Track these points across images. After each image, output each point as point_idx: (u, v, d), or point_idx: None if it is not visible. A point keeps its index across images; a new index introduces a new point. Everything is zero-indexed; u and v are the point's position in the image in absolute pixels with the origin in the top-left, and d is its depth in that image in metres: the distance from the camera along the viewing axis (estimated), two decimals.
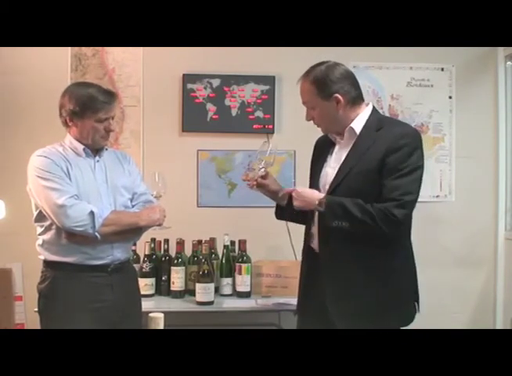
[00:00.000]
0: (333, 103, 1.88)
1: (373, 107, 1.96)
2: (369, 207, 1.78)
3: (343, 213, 1.80)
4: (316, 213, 1.92)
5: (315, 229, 1.96)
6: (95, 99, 1.95)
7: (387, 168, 1.81)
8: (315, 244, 1.97)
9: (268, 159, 2.02)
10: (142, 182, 2.17)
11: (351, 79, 1.92)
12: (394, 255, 1.87)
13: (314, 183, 2.02)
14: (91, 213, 1.88)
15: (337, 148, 1.98)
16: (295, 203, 1.91)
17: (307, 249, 2.04)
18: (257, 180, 2.02)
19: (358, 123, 1.90)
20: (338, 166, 1.91)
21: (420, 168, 1.85)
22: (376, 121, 1.91)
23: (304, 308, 2.05)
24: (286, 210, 2.03)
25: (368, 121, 1.91)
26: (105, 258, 1.98)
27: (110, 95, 2.01)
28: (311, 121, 2.00)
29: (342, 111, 1.89)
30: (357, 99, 1.92)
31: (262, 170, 2.01)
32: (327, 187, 1.92)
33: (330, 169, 1.95)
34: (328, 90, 1.87)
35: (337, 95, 1.87)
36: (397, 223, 1.78)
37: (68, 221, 1.87)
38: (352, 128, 1.90)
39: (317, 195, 1.89)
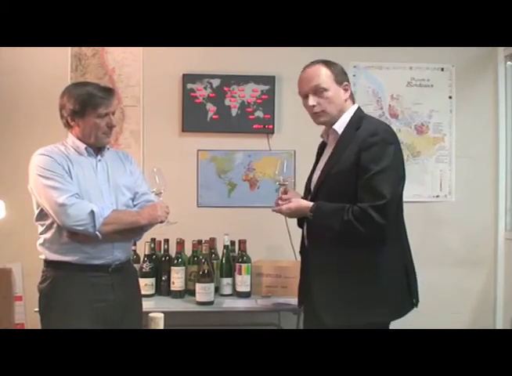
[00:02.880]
0: (342, 89, 1.97)
1: (358, 107, 2.02)
2: (348, 215, 1.82)
3: (326, 228, 1.89)
4: None
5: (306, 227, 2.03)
6: (93, 96, 1.96)
7: (360, 167, 1.85)
8: (306, 241, 2.04)
9: (285, 180, 2.06)
10: (144, 182, 2.17)
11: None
12: (377, 253, 1.88)
13: (307, 184, 2.10)
14: (92, 212, 1.88)
15: (326, 149, 2.06)
16: (290, 205, 1.96)
17: (302, 248, 2.11)
18: (282, 198, 2.03)
19: (342, 123, 1.96)
20: (322, 166, 1.99)
21: (393, 166, 1.87)
22: (357, 119, 1.96)
23: (302, 305, 2.12)
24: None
25: (351, 120, 1.96)
26: (105, 258, 1.98)
27: (108, 91, 2.02)
28: (311, 119, 2.02)
29: (345, 101, 1.98)
30: (352, 96, 2.03)
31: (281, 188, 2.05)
32: (313, 186, 2.00)
33: (319, 170, 2.02)
34: (341, 76, 1.99)
35: (346, 83, 1.99)
36: (376, 225, 1.81)
37: (69, 220, 1.87)
38: (335, 130, 1.96)
39: (305, 205, 1.94)
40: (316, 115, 1.99)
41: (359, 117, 1.97)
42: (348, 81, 2.01)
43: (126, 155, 2.19)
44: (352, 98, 2.02)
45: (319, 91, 1.95)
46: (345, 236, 1.86)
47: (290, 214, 1.99)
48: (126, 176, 2.10)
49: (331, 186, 1.91)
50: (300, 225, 2.11)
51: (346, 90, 1.98)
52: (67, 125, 2.02)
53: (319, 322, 1.89)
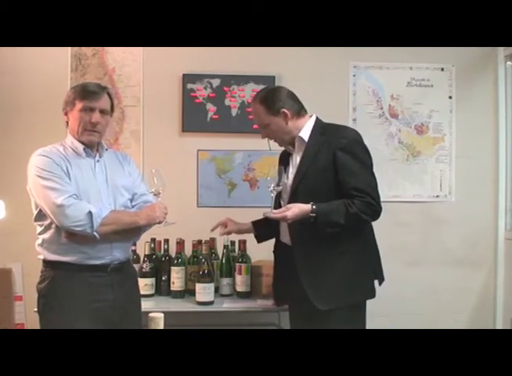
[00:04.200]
0: (281, 117, 2.15)
1: (317, 117, 2.22)
2: (352, 209, 2.02)
3: (332, 224, 2.04)
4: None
5: (285, 225, 2.18)
6: (83, 88, 2.00)
7: (339, 165, 2.06)
8: (287, 239, 2.20)
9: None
10: (143, 183, 2.17)
11: (292, 96, 2.20)
12: (357, 241, 2.13)
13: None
14: (90, 213, 1.88)
15: (292, 156, 2.24)
16: (293, 211, 2.05)
17: (278, 244, 2.32)
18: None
19: (306, 131, 2.17)
20: (295, 170, 2.16)
21: (369, 162, 2.14)
22: (320, 127, 2.18)
23: (284, 297, 2.35)
24: (263, 234, 2.41)
25: (313, 128, 2.17)
26: (104, 258, 1.98)
27: (100, 87, 2.04)
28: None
29: (290, 123, 2.16)
30: (300, 111, 2.19)
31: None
32: (289, 189, 2.17)
33: (290, 174, 2.21)
34: (276, 105, 2.14)
35: (283, 109, 2.14)
36: (377, 213, 2.09)
37: (67, 220, 1.87)
38: (301, 137, 2.17)
39: (305, 208, 2.04)
40: (275, 142, 2.25)
41: (321, 125, 2.19)
42: (287, 104, 2.14)
43: (125, 156, 2.19)
44: (300, 113, 2.17)
45: (263, 127, 2.20)
46: (349, 227, 2.05)
47: (293, 219, 2.05)
48: (124, 177, 2.10)
49: (309, 184, 2.11)
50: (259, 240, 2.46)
51: (285, 115, 2.14)
52: (67, 125, 2.05)
53: (309, 307, 2.08)
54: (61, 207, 1.86)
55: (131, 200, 2.10)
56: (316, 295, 2.08)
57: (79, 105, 1.98)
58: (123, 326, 1.97)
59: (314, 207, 2.03)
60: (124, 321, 2.00)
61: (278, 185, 2.10)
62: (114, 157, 2.14)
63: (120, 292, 2.02)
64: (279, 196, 2.24)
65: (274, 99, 2.15)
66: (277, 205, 2.20)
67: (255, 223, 2.45)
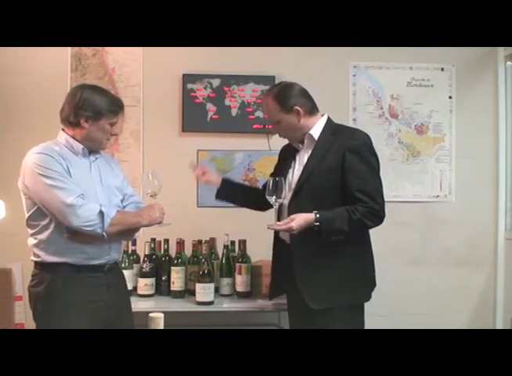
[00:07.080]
0: (293, 114, 2.13)
1: (328, 117, 2.22)
2: (355, 215, 2.02)
3: (336, 232, 2.04)
4: (285, 206, 2.15)
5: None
6: (114, 104, 2.02)
7: (348, 166, 2.06)
8: (285, 236, 2.19)
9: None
10: (129, 183, 2.20)
11: (305, 94, 2.19)
12: (355, 243, 2.12)
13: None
14: (101, 213, 1.88)
15: (299, 153, 2.23)
16: (298, 222, 2.03)
17: (277, 241, 2.29)
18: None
19: (316, 130, 2.16)
20: (302, 167, 2.15)
21: (377, 165, 2.14)
22: (331, 127, 2.19)
23: (278, 292, 2.39)
24: (224, 192, 2.41)
25: (324, 128, 2.17)
26: (102, 258, 1.99)
27: (120, 102, 2.08)
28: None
29: (302, 121, 2.15)
30: (313, 109, 2.19)
31: None
32: (293, 186, 2.15)
33: (296, 171, 2.20)
34: (288, 104, 2.13)
35: (296, 107, 2.13)
36: (381, 219, 2.09)
37: (78, 220, 1.86)
38: (311, 135, 2.16)
39: (310, 218, 2.03)
40: (284, 138, 2.25)
41: (332, 125, 2.20)
42: (300, 102, 2.13)
43: (110, 158, 2.25)
44: (312, 111, 2.17)
45: (274, 123, 2.18)
46: (353, 233, 2.05)
47: (299, 230, 2.04)
48: (116, 177, 2.13)
49: (314, 183, 2.10)
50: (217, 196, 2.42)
51: (298, 113, 2.13)
52: (76, 125, 1.98)
53: (305, 307, 2.08)
54: (72, 207, 1.85)
55: (122, 201, 2.11)
56: (311, 295, 2.08)
57: (110, 119, 2.01)
58: (119, 325, 1.98)
59: (317, 215, 2.02)
60: (119, 320, 2.01)
61: (279, 197, 2.07)
62: (103, 158, 2.15)
63: (114, 291, 2.03)
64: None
65: (287, 96, 2.14)
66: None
67: (224, 181, 2.43)
